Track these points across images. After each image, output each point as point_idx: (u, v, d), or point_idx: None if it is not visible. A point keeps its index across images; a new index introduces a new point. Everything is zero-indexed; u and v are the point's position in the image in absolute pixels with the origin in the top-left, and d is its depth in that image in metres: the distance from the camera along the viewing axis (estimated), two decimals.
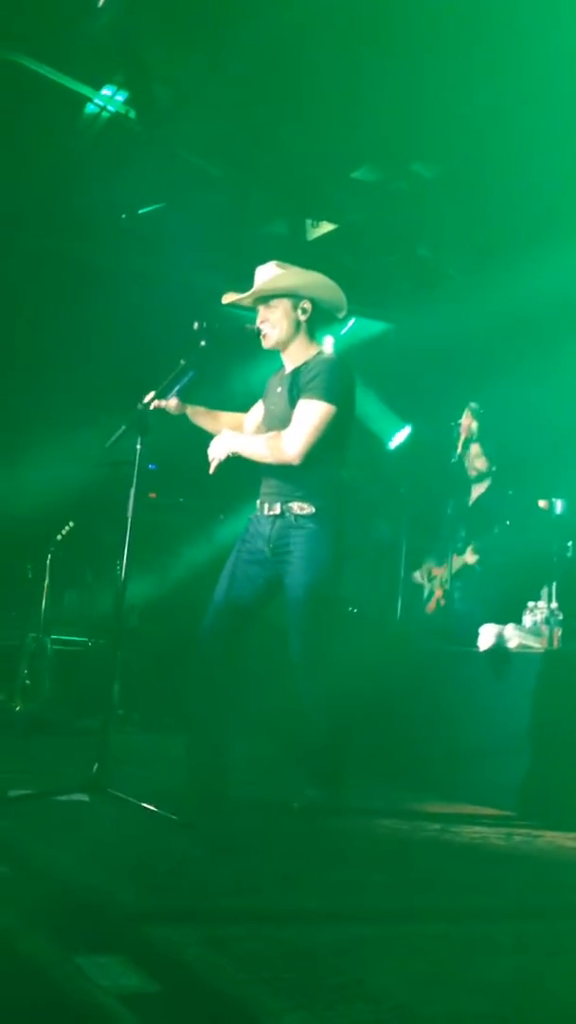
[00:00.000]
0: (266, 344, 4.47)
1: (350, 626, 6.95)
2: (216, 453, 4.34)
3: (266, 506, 4.42)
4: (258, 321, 4.45)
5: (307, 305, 4.43)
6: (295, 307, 4.43)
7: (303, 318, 4.44)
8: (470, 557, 6.73)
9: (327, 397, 4.28)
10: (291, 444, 4.27)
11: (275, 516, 4.37)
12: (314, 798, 4.26)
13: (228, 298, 4.48)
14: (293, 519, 4.33)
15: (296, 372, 4.42)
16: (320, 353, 4.47)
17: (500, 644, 5.29)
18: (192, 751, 4.38)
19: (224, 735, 4.39)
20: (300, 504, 4.33)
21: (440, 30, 5.91)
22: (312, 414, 4.27)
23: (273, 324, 4.43)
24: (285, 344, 4.46)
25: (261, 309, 4.45)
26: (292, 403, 4.37)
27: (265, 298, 4.43)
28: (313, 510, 4.32)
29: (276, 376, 4.59)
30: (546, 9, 5.58)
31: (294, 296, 4.42)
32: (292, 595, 4.32)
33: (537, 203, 7.15)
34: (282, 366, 4.54)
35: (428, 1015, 1.95)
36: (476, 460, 6.92)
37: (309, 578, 4.28)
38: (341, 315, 4.58)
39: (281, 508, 4.36)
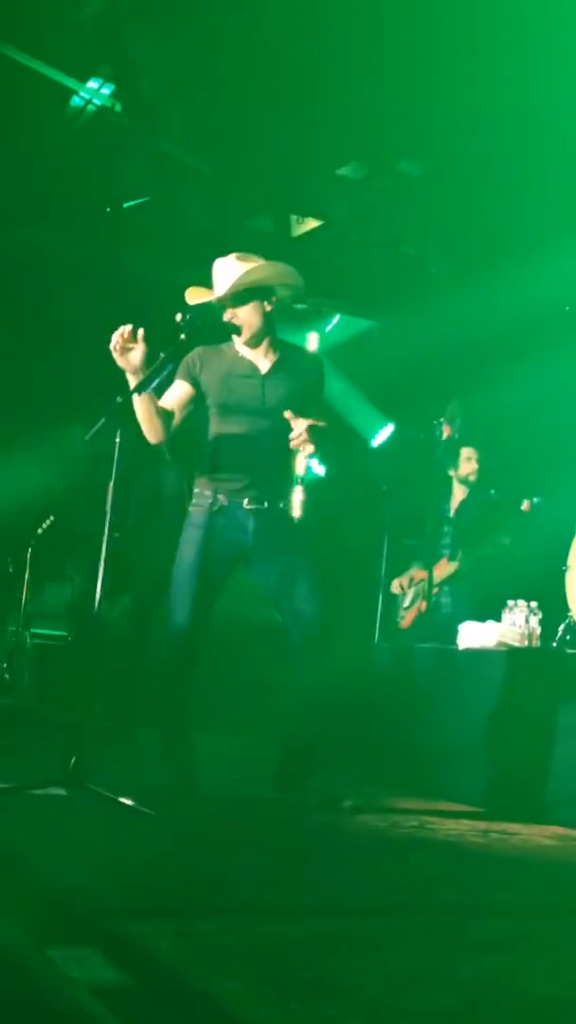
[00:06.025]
0: (245, 340, 4.37)
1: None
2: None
3: (246, 500, 4.30)
4: (226, 317, 4.33)
5: (274, 298, 4.38)
6: (264, 299, 4.35)
7: (269, 309, 4.37)
8: (449, 567, 6.67)
9: None
10: None
11: (258, 509, 4.29)
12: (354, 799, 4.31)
13: (196, 298, 4.33)
14: (281, 514, 4.32)
15: (290, 364, 4.39)
16: (292, 346, 4.52)
17: (480, 642, 5.30)
18: (172, 746, 4.36)
19: (192, 729, 4.39)
20: (283, 499, 4.34)
21: (429, 27, 5.91)
22: None
23: (243, 319, 4.33)
24: (260, 339, 4.39)
25: (230, 305, 4.33)
26: (292, 395, 4.31)
27: (238, 295, 4.31)
28: (293, 504, 4.32)
29: (232, 362, 4.40)
30: (538, 6, 5.58)
31: (264, 289, 4.35)
32: (306, 608, 4.29)
33: (525, 203, 7.16)
34: (220, 348, 4.42)
35: (398, 1009, 1.95)
36: (467, 463, 6.85)
37: (319, 589, 4.31)
38: (301, 304, 4.53)
39: (268, 503, 4.30)
